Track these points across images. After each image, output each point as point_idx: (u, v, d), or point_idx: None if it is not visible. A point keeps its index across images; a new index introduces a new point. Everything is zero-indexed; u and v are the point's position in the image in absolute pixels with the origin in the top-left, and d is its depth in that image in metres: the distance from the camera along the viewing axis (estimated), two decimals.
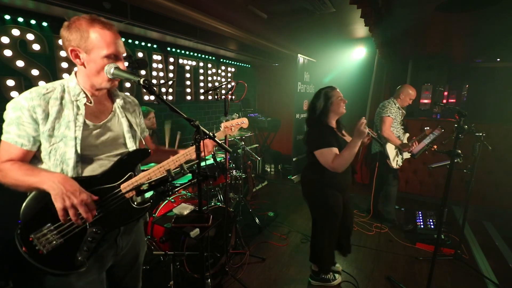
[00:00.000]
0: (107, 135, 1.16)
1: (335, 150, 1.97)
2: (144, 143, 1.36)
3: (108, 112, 1.20)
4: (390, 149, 3.17)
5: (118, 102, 1.24)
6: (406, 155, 3.24)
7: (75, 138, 1.05)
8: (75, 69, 1.14)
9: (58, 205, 0.93)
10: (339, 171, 1.95)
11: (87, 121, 1.10)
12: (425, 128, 3.13)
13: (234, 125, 1.64)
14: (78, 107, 1.09)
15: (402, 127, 3.33)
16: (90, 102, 1.13)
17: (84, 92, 1.12)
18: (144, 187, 1.15)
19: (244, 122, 1.70)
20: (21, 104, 0.99)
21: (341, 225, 2.22)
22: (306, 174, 2.25)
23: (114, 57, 1.08)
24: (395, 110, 3.17)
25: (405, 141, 3.27)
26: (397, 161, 3.23)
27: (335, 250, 2.34)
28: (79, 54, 1.05)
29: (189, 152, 1.31)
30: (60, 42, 2.45)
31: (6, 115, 1.01)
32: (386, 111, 3.16)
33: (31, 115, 1.00)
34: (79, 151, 1.06)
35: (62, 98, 1.07)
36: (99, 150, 1.13)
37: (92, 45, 1.04)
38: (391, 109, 3.15)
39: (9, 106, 1.01)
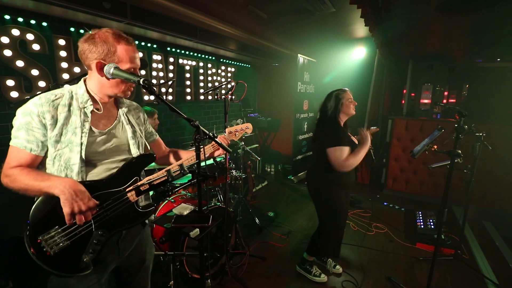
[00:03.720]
0: (111, 142, 1.18)
1: (348, 149, 2.05)
2: (149, 148, 1.39)
3: (113, 119, 1.22)
4: None
5: (123, 109, 1.26)
6: None
7: (81, 144, 1.07)
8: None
9: (66, 209, 0.95)
10: (346, 170, 2.05)
11: (93, 128, 1.12)
12: (371, 128, 3.24)
13: (238, 131, 1.62)
14: (85, 114, 1.11)
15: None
16: (98, 109, 1.15)
17: (93, 100, 1.13)
18: (144, 187, 1.16)
19: (249, 127, 1.67)
20: (31, 109, 1.01)
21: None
22: (313, 174, 2.32)
23: (133, 70, 1.13)
24: None
25: None
26: None
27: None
28: (104, 67, 1.08)
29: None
30: (60, 42, 2.45)
31: (16, 120, 1.03)
32: None
33: (40, 120, 1.02)
34: (83, 156, 1.08)
35: (70, 104, 1.09)
36: (104, 156, 1.15)
37: (118, 59, 1.08)
38: None
39: (19, 112, 1.03)
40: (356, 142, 2.23)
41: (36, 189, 0.98)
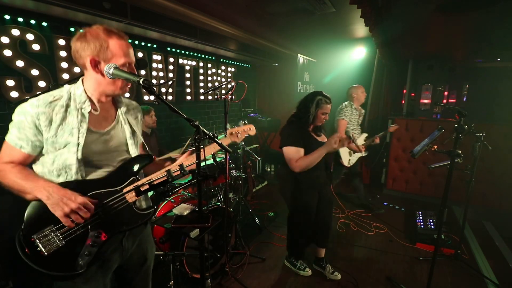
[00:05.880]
0: (110, 142, 1.17)
1: (301, 151, 2.10)
2: (147, 148, 1.38)
3: (111, 119, 1.21)
4: (343, 150, 3.44)
5: (122, 109, 1.25)
6: (359, 154, 3.60)
7: (78, 144, 1.06)
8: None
9: (58, 213, 0.97)
10: (297, 171, 2.09)
11: (92, 128, 1.11)
12: (391, 126, 3.58)
13: (240, 132, 1.57)
14: (82, 115, 1.10)
15: (360, 127, 3.65)
16: (96, 110, 1.14)
17: (90, 100, 1.13)
18: (144, 187, 1.16)
19: (251, 129, 1.63)
20: (27, 109, 1.02)
21: (317, 217, 2.36)
22: (281, 171, 2.36)
23: (128, 66, 1.12)
24: (350, 112, 3.46)
25: (362, 141, 3.56)
26: (349, 160, 3.56)
27: (312, 243, 2.50)
28: (98, 64, 1.07)
29: (189, 158, 1.33)
30: (60, 42, 2.45)
31: (13, 116, 1.05)
32: (341, 115, 3.44)
33: (34, 121, 1.02)
34: (79, 157, 1.06)
35: (67, 105, 1.09)
36: (103, 156, 1.14)
37: (112, 55, 1.07)
38: (346, 112, 3.43)
39: (16, 109, 1.05)
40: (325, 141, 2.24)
41: (22, 188, 1.00)
